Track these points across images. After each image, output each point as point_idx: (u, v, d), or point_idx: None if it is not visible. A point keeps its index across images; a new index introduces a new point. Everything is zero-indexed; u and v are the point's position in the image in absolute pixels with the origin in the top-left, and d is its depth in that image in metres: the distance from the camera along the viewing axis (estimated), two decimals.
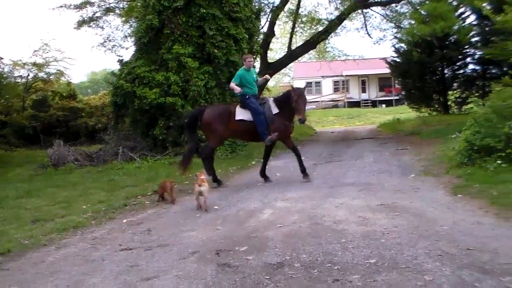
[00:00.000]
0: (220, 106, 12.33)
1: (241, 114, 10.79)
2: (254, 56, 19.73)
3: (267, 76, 11.21)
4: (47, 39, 44.43)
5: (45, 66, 32.08)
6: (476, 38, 26.36)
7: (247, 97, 10.76)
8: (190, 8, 16.26)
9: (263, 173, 11.13)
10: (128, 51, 34.22)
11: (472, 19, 26.42)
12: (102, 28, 28.10)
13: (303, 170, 10.77)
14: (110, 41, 28.44)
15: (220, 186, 10.80)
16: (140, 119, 16.76)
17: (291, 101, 10.57)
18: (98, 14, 27.22)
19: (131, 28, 26.08)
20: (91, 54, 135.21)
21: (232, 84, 10.90)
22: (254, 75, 11.20)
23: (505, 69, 21.56)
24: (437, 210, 7.01)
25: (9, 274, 5.37)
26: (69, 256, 5.97)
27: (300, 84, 11.61)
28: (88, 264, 5.52)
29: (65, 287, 4.82)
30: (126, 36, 28.37)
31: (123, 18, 27.26)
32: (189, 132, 11.51)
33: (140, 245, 6.23)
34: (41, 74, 32.27)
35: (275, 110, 10.74)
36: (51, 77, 32.79)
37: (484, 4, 16.77)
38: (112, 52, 29.09)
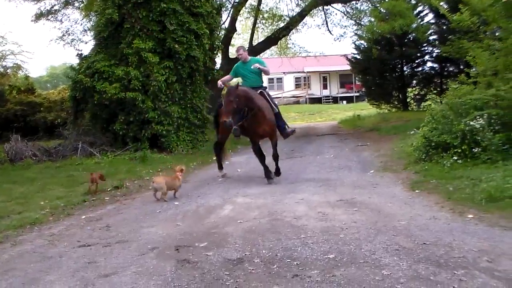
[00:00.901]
0: None
1: None
2: (215, 52, 19.65)
3: (256, 65, 10.68)
4: (3, 31, 43.48)
5: (2, 59, 31.41)
6: (434, 36, 27.00)
7: None
8: (150, 2, 16.10)
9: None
10: (87, 45, 33.80)
11: (430, 17, 27.04)
12: (61, 21, 27.66)
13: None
14: (69, 35, 28.01)
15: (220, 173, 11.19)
16: (100, 114, 16.55)
17: None
18: (56, 7, 26.78)
19: (91, 22, 25.71)
20: (50, 48, 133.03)
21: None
22: (252, 67, 10.62)
23: (461, 67, 22.07)
24: (395, 206, 7.12)
25: None
26: (25, 253, 5.87)
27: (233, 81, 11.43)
28: (45, 261, 5.43)
29: (20, 285, 4.74)
30: (85, 30, 27.97)
31: (83, 12, 26.84)
32: (214, 124, 11.63)
33: (98, 241, 6.16)
34: None
35: None
36: (8, 70, 32.08)
37: (441, 3, 17.08)
38: (71, 46, 28.66)
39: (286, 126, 10.68)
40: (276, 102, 10.74)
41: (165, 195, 8.63)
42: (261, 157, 10.33)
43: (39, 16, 26.33)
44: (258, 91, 10.39)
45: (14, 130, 20.50)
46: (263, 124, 10.05)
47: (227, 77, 10.97)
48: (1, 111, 27.94)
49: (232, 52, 28.63)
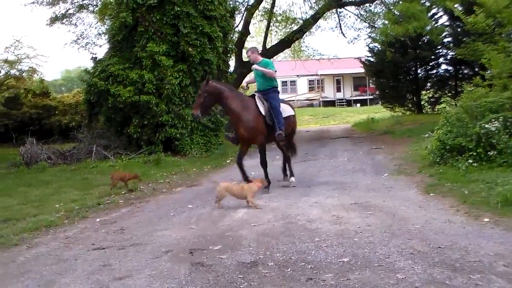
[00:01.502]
0: None
1: None
2: (229, 55, 19.69)
3: (255, 66, 10.31)
4: (19, 35, 43.82)
5: (17, 63, 31.59)
6: (448, 39, 26.77)
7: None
8: (164, 6, 16.17)
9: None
10: (102, 48, 34.01)
11: (444, 19, 26.83)
12: (75, 25, 27.87)
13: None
14: (83, 38, 28.21)
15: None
16: (114, 117, 16.65)
17: None
18: (71, 11, 26.98)
19: (105, 26, 25.88)
20: (65, 52, 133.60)
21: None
22: (252, 68, 10.27)
23: (476, 69, 21.91)
24: (410, 209, 7.07)
25: None
26: (41, 255, 5.90)
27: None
28: (60, 264, 5.46)
29: (36, 287, 4.76)
30: (99, 34, 28.21)
31: (97, 16, 27.01)
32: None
33: (113, 244, 6.18)
34: (13, 71, 31.78)
35: None
36: (23, 74, 32.30)
37: (455, 5, 16.99)
38: (85, 49, 28.86)
39: (279, 129, 9.79)
40: (275, 105, 9.90)
41: (219, 202, 8.12)
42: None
43: (54, 20, 26.53)
44: (251, 94, 10.15)
45: (29, 133, 20.70)
46: (240, 128, 9.67)
47: (251, 78, 10.81)
48: (16, 114, 28.24)
49: (246, 55, 28.62)
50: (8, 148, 24.16)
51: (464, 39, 18.29)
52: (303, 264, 4.86)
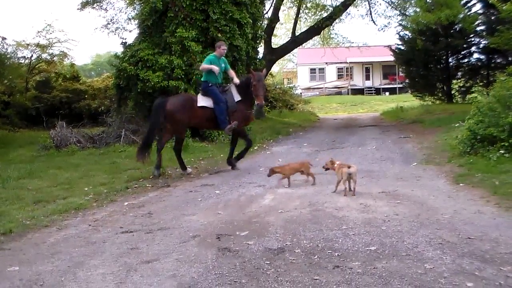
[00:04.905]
0: (182, 95, 12.56)
1: (203, 101, 10.60)
2: (258, 41, 19.63)
3: (236, 80, 10.69)
4: (51, 20, 43.94)
5: (49, 47, 31.71)
6: (482, 27, 26.30)
7: (210, 84, 10.57)
8: None
9: (229, 161, 11.11)
10: (131, 33, 34.07)
11: (477, 7, 26.39)
12: (106, 10, 27.86)
13: (239, 157, 11.14)
14: (113, 23, 28.20)
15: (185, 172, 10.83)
16: (143, 102, 16.70)
17: (250, 86, 10.52)
18: None
19: (135, 11, 25.94)
20: (95, 36, 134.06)
21: (206, 65, 10.57)
22: (223, 65, 10.88)
23: (510, 58, 21.56)
24: (439, 199, 7.01)
25: (10, 254, 5.39)
26: (70, 237, 5.99)
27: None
28: (88, 246, 5.54)
29: (66, 268, 4.83)
30: (129, 19, 28.15)
31: (127, 1, 27.10)
32: (153, 124, 10.84)
33: (141, 228, 6.25)
34: (44, 55, 31.92)
35: (237, 97, 10.63)
36: (54, 58, 32.50)
37: None
38: (115, 34, 29.02)
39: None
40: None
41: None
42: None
43: (84, 4, 26.64)
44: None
45: (59, 117, 20.92)
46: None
47: (205, 64, 10.75)
48: (47, 98, 28.49)
49: (275, 42, 28.40)
50: (39, 131, 24.43)
51: (498, 27, 17.95)
52: (330, 251, 4.85)
